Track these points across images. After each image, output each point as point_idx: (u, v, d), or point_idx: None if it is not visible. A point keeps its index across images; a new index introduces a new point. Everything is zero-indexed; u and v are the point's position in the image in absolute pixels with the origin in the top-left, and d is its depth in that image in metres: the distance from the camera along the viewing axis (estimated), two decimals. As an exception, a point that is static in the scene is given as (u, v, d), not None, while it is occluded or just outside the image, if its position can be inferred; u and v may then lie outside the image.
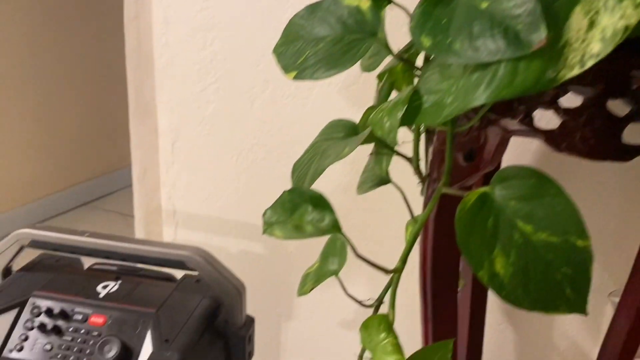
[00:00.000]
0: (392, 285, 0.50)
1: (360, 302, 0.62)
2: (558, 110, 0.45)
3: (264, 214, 0.51)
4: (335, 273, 0.63)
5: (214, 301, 0.76)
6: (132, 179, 1.18)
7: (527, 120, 0.46)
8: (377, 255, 0.93)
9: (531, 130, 0.46)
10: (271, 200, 1.00)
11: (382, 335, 0.47)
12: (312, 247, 0.99)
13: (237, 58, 0.93)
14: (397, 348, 0.46)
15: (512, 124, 0.48)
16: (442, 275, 0.59)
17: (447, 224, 0.57)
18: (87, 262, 0.85)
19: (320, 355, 1.05)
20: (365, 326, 0.48)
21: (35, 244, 0.76)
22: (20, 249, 0.77)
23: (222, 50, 0.94)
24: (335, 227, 0.47)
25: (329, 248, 0.65)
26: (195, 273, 0.80)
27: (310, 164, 0.52)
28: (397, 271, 0.51)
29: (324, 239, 0.69)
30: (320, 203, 0.47)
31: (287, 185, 0.97)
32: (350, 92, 0.86)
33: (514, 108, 0.47)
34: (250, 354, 0.78)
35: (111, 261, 0.84)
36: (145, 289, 0.76)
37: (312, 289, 0.63)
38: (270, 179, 0.98)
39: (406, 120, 0.40)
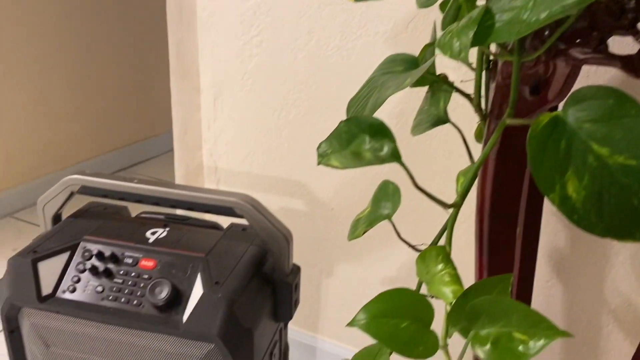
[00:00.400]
0: (450, 220, 0.49)
1: (413, 247, 0.61)
2: (637, 35, 0.42)
3: (318, 147, 0.50)
4: (388, 217, 0.62)
5: (262, 248, 0.76)
6: (173, 136, 1.18)
7: (602, 47, 0.44)
8: (425, 209, 0.91)
9: (606, 57, 0.44)
10: (314, 156, 1.00)
11: (440, 266, 0.46)
12: (353, 204, 0.99)
13: (280, 9, 0.92)
14: (456, 279, 0.45)
15: (585, 52, 0.45)
16: (500, 218, 0.58)
17: (508, 163, 0.56)
18: (134, 212, 0.86)
19: (364, 297, 1.05)
20: (422, 258, 0.47)
21: (85, 190, 0.77)
22: (70, 195, 0.78)
23: (266, 1, 0.93)
24: (394, 156, 0.45)
25: (381, 193, 0.64)
26: (241, 222, 0.80)
27: (368, 98, 0.51)
28: (456, 206, 0.49)
29: (366, 198, 0.68)
30: (380, 131, 0.46)
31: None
32: (397, 41, 0.84)
33: (586, 36, 0.45)
34: (297, 301, 0.79)
35: (158, 210, 0.85)
36: (193, 236, 0.77)
37: (364, 233, 0.62)
38: (313, 134, 0.98)
39: (478, 40, 0.39)
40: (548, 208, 0.83)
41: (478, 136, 0.66)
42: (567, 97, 0.41)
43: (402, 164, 0.46)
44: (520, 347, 0.39)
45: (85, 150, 2.06)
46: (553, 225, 0.83)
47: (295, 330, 1.13)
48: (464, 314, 0.42)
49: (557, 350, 0.88)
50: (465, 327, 0.43)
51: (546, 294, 0.86)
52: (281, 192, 1.05)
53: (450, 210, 0.50)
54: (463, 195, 0.50)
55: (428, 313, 0.43)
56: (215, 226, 0.82)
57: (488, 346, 0.40)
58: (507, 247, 0.64)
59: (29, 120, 1.85)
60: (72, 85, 1.97)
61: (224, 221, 0.85)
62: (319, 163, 0.50)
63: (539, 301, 0.87)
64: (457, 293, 0.44)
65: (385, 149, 0.46)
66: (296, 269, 0.78)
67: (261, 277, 0.74)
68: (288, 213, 1.05)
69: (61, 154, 1.97)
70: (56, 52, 1.88)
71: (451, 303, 0.47)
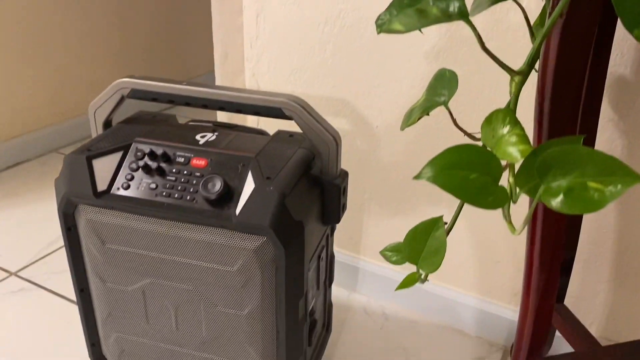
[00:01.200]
0: (516, 87, 0.48)
1: (469, 134, 0.60)
2: None
3: (377, 19, 0.49)
4: (445, 104, 0.61)
5: (310, 151, 0.76)
6: (214, 61, 1.18)
7: None
8: (472, 118, 0.89)
9: None
10: (359, 73, 0.98)
11: (507, 128, 0.44)
12: (398, 123, 0.97)
13: None
14: (524, 139, 0.44)
15: None
16: (562, 99, 0.56)
17: (573, 38, 0.53)
18: (182, 122, 0.87)
19: (405, 218, 1.04)
20: (488, 121, 0.46)
21: (135, 93, 0.77)
22: (121, 99, 0.78)
23: None
24: (462, 14, 0.44)
25: (437, 81, 0.63)
26: (289, 129, 0.80)
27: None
28: (522, 73, 0.48)
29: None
30: (446, -10, 0.44)
31: (377, 55, 0.94)
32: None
33: None
34: (344, 206, 0.79)
35: (206, 120, 0.85)
36: (242, 140, 0.77)
37: (419, 119, 0.61)
38: (359, 48, 0.96)
39: None
40: (605, 114, 0.80)
41: (538, 24, 0.63)
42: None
43: (469, 23, 0.44)
44: (596, 195, 0.38)
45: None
46: (609, 133, 0.81)
47: (338, 250, 1.14)
48: (534, 169, 0.41)
49: (608, 258, 0.87)
50: (534, 186, 0.42)
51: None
52: (325, 110, 1.04)
53: (517, 79, 0.48)
54: (530, 63, 0.48)
55: (496, 168, 0.42)
56: (262, 132, 0.82)
57: (560, 197, 0.39)
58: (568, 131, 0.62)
59: (72, 59, 1.87)
60: (113, 26, 1.98)
61: (270, 130, 0.85)
62: (379, 32, 0.49)
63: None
64: (525, 152, 0.43)
65: (453, 6, 0.44)
66: (344, 173, 0.78)
67: (310, 178, 0.74)
68: (332, 132, 1.04)
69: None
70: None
71: (514, 171, 0.46)
